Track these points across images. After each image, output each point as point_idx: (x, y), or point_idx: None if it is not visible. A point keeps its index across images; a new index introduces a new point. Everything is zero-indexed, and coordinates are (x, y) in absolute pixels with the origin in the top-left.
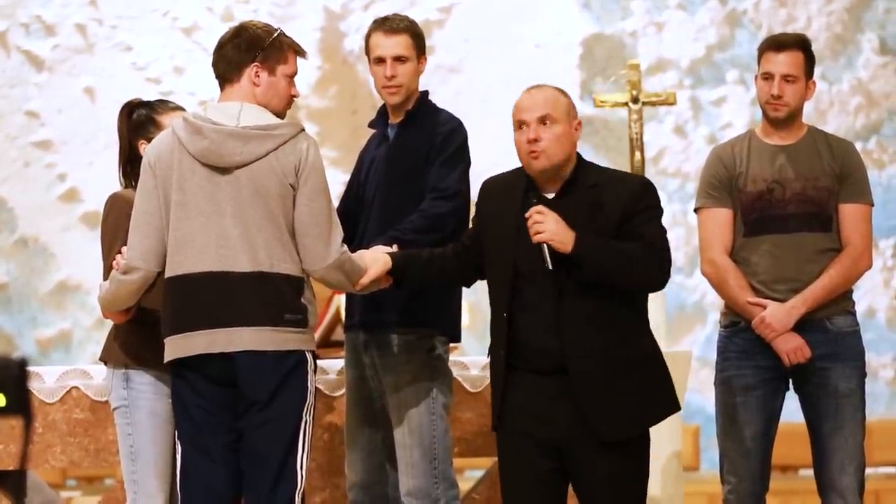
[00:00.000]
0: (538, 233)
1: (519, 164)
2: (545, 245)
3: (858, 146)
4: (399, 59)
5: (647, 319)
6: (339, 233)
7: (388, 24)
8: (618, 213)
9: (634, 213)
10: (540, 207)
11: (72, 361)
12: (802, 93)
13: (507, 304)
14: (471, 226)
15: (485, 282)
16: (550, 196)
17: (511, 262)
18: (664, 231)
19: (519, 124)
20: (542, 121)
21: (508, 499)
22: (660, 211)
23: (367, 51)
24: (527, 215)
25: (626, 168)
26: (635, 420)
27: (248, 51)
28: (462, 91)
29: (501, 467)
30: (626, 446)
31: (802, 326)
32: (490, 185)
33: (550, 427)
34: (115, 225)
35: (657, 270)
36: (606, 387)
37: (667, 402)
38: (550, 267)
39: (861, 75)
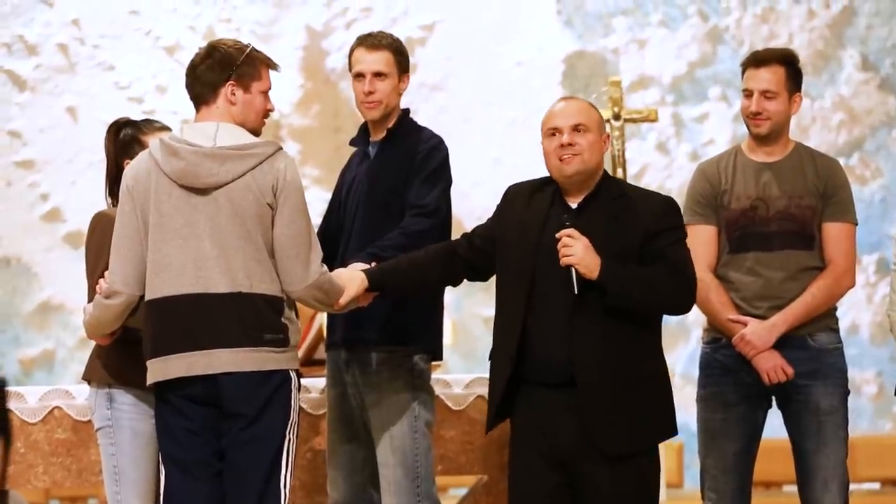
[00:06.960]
0: (566, 256)
1: (531, 176)
2: (573, 269)
3: (841, 162)
4: (378, 76)
5: (660, 338)
6: (318, 253)
7: (370, 41)
8: (641, 232)
9: (658, 233)
10: (571, 231)
11: (55, 381)
12: (785, 108)
13: (522, 315)
14: (486, 225)
15: (469, 300)
16: (573, 205)
17: (529, 272)
18: (688, 252)
19: (551, 132)
20: (576, 128)
21: None
22: (683, 232)
23: (350, 66)
24: (557, 236)
25: None
26: (637, 436)
27: (221, 70)
28: (445, 108)
29: (510, 480)
30: (631, 462)
31: (784, 343)
32: (516, 192)
33: (555, 442)
34: (99, 244)
35: (683, 295)
36: (612, 401)
37: (667, 425)
38: (577, 291)
39: (843, 91)
